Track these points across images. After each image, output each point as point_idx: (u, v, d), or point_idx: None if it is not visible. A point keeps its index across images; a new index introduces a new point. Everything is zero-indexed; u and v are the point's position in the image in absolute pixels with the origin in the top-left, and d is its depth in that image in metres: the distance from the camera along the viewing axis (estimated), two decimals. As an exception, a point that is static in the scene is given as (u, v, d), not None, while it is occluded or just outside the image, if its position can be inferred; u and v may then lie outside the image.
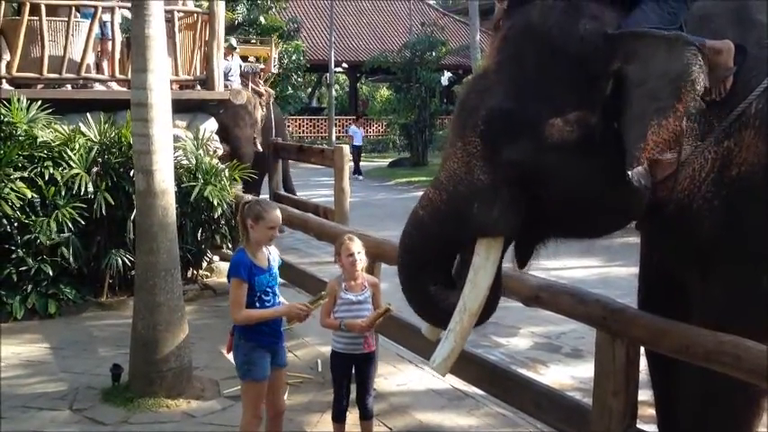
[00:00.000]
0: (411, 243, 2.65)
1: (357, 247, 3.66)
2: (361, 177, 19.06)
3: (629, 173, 2.38)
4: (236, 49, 10.27)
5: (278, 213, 3.53)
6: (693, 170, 2.58)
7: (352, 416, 3.95)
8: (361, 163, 20.34)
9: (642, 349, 3.04)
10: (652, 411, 3.30)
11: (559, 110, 2.42)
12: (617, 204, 2.53)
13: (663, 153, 2.38)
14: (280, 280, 3.69)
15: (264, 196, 7.95)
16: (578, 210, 2.53)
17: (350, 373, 3.78)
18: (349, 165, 18.72)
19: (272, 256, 3.58)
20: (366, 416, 3.80)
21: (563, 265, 7.44)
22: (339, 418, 3.82)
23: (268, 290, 3.50)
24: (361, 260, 3.65)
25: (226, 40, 9.12)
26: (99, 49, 7.50)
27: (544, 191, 2.52)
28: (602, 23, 2.47)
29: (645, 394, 3.19)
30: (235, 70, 9.63)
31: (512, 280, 3.46)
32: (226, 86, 8.74)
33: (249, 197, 3.68)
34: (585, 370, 4.57)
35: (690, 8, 2.65)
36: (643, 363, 3.08)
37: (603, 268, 8.10)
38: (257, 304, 3.48)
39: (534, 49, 2.48)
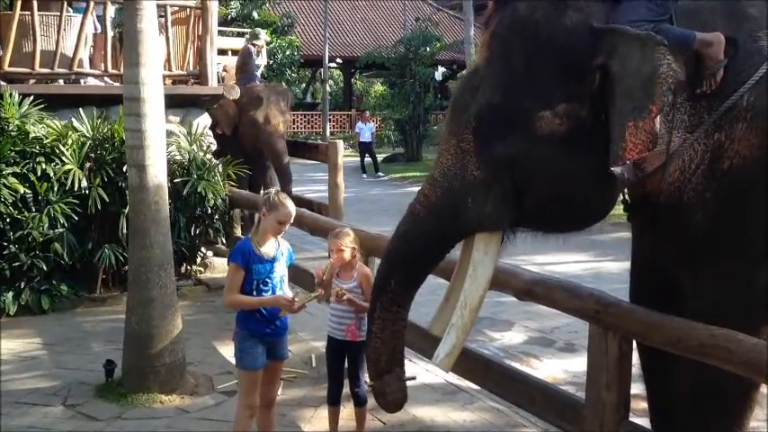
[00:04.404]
0: (405, 233, 2.66)
1: (345, 241, 3.77)
2: (365, 176, 18.37)
3: (613, 169, 2.37)
4: (265, 44, 9.86)
5: (291, 210, 3.52)
6: (683, 162, 2.58)
7: (347, 410, 3.96)
8: (349, 159, 17.10)
9: (634, 345, 3.05)
10: (645, 404, 3.31)
11: (548, 103, 2.42)
12: (597, 198, 2.54)
13: (642, 153, 2.38)
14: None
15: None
16: (563, 203, 2.54)
17: (341, 360, 3.88)
18: (364, 160, 18.16)
19: (280, 248, 3.60)
20: (358, 402, 3.90)
21: (556, 260, 7.46)
22: (333, 403, 3.91)
23: (267, 280, 3.52)
24: (344, 258, 3.76)
25: (257, 37, 8.93)
26: (92, 44, 7.46)
27: (532, 184, 2.52)
28: (588, 16, 2.47)
29: (637, 388, 3.20)
30: (258, 67, 9.17)
31: (506, 274, 3.47)
32: (252, 82, 8.57)
33: (273, 190, 3.74)
34: (579, 364, 4.58)
35: (680, 0, 2.64)
36: (635, 356, 3.09)
37: (596, 263, 8.12)
38: (254, 293, 3.51)
39: (522, 43, 2.48)
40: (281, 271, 3.60)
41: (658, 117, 2.37)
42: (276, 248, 3.57)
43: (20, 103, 6.34)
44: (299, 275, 5.55)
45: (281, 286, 3.59)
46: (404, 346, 2.79)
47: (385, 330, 2.68)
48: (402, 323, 2.71)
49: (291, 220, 3.57)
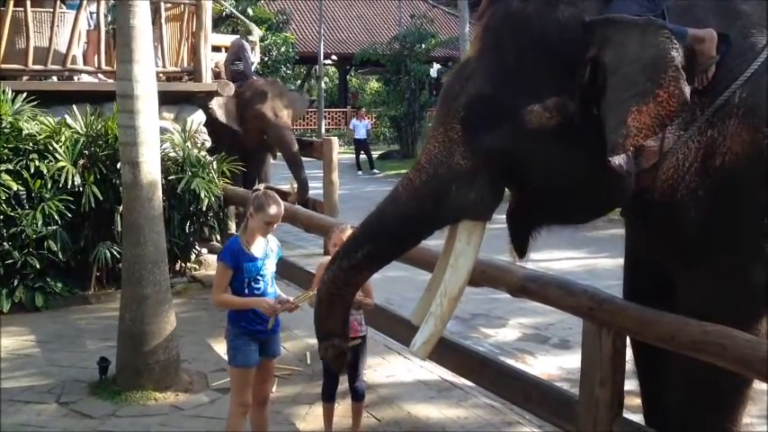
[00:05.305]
0: (383, 212, 2.64)
1: (347, 235, 3.72)
2: (360, 173, 18.39)
3: (610, 159, 2.37)
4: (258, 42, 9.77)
5: (279, 211, 3.52)
6: (677, 159, 2.58)
7: (342, 407, 3.95)
8: (344, 156, 17.38)
9: (627, 341, 3.05)
10: (638, 401, 3.32)
11: (538, 96, 2.42)
12: (596, 190, 2.53)
13: (648, 139, 2.37)
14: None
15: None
16: (558, 196, 2.54)
17: None
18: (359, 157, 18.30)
19: (269, 246, 3.59)
20: (356, 397, 3.90)
21: (550, 257, 7.47)
22: (327, 399, 3.90)
23: (259, 278, 3.52)
24: None
25: (250, 32, 8.90)
26: (86, 41, 7.43)
27: (524, 177, 2.53)
28: (580, 10, 2.47)
29: (631, 384, 3.21)
30: (252, 63, 9.03)
31: (499, 271, 3.47)
32: (249, 78, 8.52)
33: (261, 188, 3.71)
34: (573, 360, 4.58)
35: None
36: (629, 353, 3.10)
37: (590, 259, 8.13)
38: (246, 291, 3.50)
39: (514, 36, 2.49)
40: (271, 268, 3.60)
41: (673, 104, 2.29)
42: (265, 245, 3.57)
43: (13, 100, 6.31)
44: (293, 273, 5.56)
45: (272, 284, 3.59)
46: (347, 316, 2.77)
47: (332, 285, 2.66)
48: (350, 289, 2.69)
49: (279, 220, 3.57)
